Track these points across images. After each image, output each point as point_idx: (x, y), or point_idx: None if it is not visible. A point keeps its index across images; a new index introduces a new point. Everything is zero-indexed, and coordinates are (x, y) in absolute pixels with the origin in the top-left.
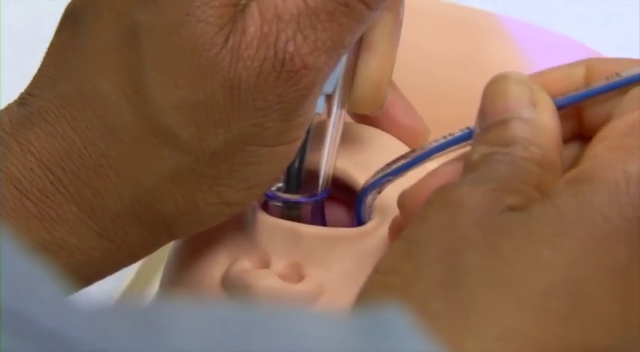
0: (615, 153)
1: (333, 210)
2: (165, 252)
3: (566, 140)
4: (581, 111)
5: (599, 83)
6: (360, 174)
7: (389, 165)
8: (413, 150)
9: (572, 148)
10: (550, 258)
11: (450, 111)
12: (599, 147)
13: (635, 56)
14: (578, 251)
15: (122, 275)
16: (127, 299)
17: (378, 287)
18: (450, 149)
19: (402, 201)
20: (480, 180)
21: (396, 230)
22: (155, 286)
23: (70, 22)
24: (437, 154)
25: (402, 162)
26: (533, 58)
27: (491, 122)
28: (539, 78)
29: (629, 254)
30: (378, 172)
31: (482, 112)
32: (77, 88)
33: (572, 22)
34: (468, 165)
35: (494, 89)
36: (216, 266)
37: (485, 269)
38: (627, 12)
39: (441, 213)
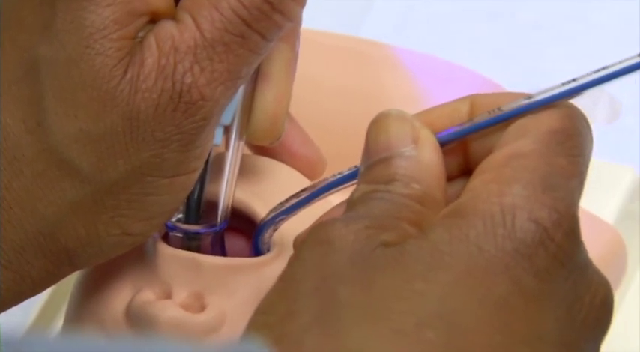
0: (491, 186)
1: (232, 241)
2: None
3: (454, 176)
4: (467, 147)
5: (480, 118)
6: (258, 205)
7: (282, 204)
8: (304, 190)
9: (460, 184)
10: (423, 291)
11: (345, 142)
12: (477, 181)
13: (538, 86)
14: (453, 283)
15: (29, 307)
16: (35, 331)
17: (256, 327)
18: (340, 187)
19: (296, 243)
20: (354, 217)
21: None
22: (62, 320)
23: None
24: (327, 193)
25: (293, 201)
26: (428, 88)
27: (373, 160)
28: (425, 115)
29: (507, 285)
30: (271, 211)
31: (366, 151)
32: None
33: (476, 55)
34: (349, 203)
35: (376, 127)
36: (119, 297)
37: (359, 304)
38: (531, 44)
39: (313, 251)
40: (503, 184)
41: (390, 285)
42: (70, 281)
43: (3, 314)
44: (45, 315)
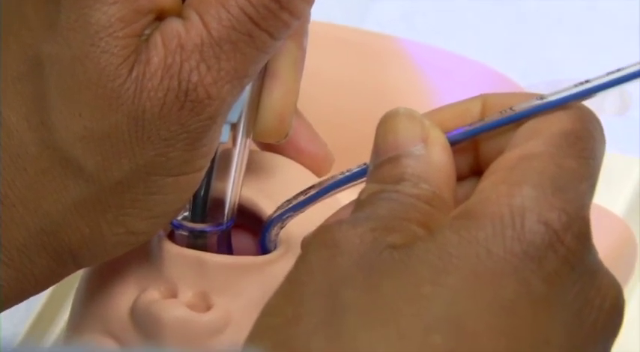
0: (501, 187)
1: (239, 239)
2: (75, 280)
3: (464, 176)
4: (478, 147)
5: (491, 118)
6: (265, 202)
7: (289, 201)
8: (311, 187)
9: (470, 184)
10: (431, 294)
11: (352, 137)
12: (486, 182)
13: (543, 79)
14: (460, 286)
15: (31, 305)
16: (35, 332)
17: (262, 329)
18: (348, 185)
19: (303, 244)
20: (361, 219)
21: None
22: (65, 316)
23: None
24: (335, 190)
25: (301, 198)
26: (436, 81)
27: (381, 160)
28: (435, 114)
29: (515, 288)
30: (278, 208)
31: (375, 150)
32: None
33: (483, 43)
34: (357, 203)
35: (385, 126)
36: (124, 296)
37: (365, 308)
38: (538, 32)
39: (320, 254)
40: (513, 186)
41: (397, 289)
42: (72, 280)
43: (4, 312)
44: (46, 314)
